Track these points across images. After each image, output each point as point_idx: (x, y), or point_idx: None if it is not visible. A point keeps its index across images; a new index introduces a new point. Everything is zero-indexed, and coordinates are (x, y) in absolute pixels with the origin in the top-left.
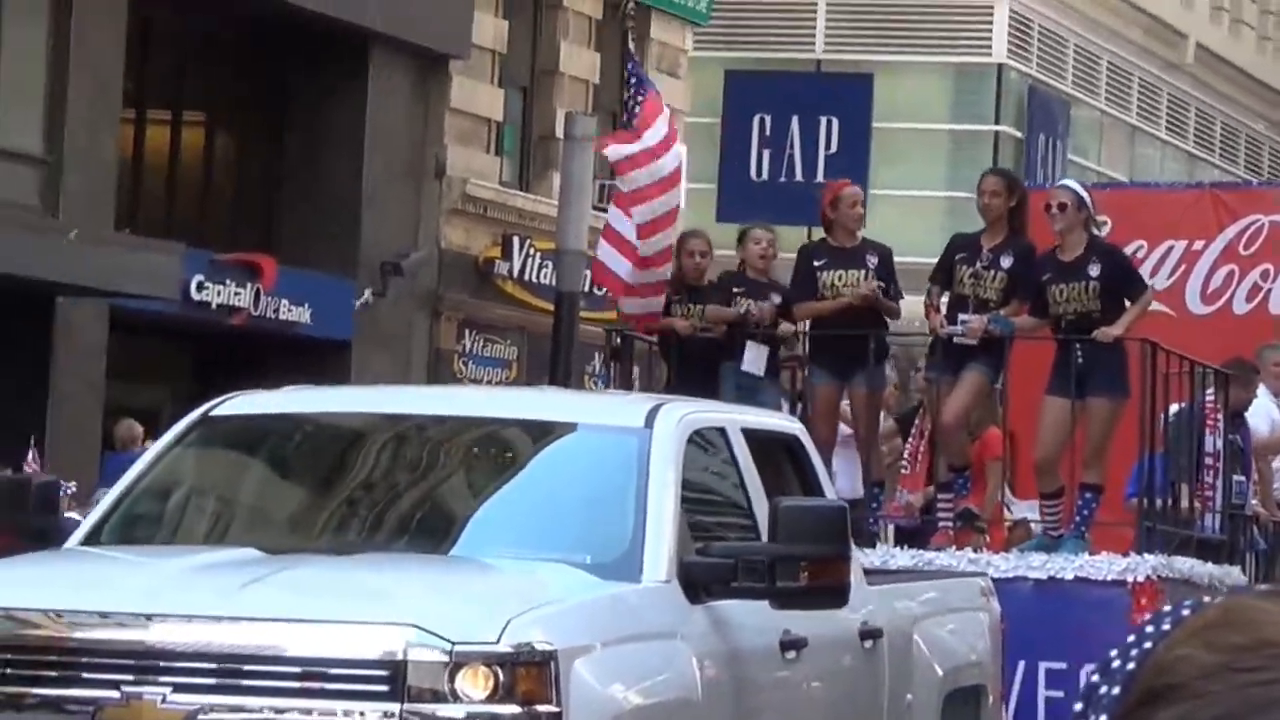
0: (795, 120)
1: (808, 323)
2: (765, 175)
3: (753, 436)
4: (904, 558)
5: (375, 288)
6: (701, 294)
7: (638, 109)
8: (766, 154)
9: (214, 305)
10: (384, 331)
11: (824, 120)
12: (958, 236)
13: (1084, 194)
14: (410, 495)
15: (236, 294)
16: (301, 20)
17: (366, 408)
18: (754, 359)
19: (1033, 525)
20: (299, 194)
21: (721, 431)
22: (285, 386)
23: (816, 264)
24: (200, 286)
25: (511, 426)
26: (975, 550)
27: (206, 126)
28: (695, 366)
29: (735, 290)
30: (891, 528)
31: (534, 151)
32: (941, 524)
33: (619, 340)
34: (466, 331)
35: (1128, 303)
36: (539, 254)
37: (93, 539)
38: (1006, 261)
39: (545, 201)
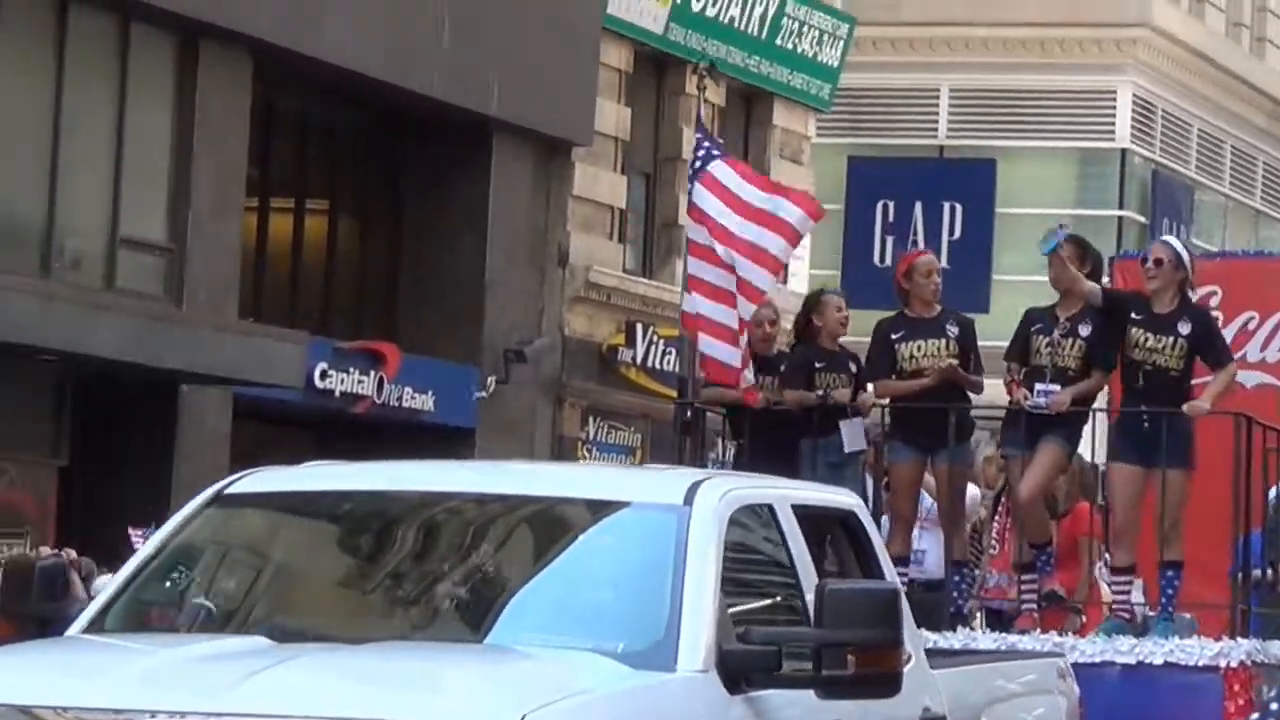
0: (919, 206)
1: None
2: (889, 261)
3: (805, 513)
4: (987, 641)
5: (498, 375)
6: (771, 364)
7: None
8: (890, 240)
9: (337, 393)
10: (507, 418)
11: (947, 206)
12: (1032, 310)
13: (1184, 253)
14: (432, 578)
15: (360, 382)
16: (425, 108)
17: (390, 485)
18: (853, 436)
19: (1135, 606)
20: (422, 281)
21: (769, 508)
22: (309, 462)
23: (894, 337)
24: (324, 374)
25: (542, 504)
26: (1064, 633)
27: (330, 214)
28: (769, 440)
29: (817, 365)
30: (983, 610)
31: (657, 238)
32: (1025, 606)
33: (689, 414)
34: (590, 418)
35: (1211, 370)
36: (662, 340)
37: (96, 625)
38: (1084, 330)
39: (668, 288)
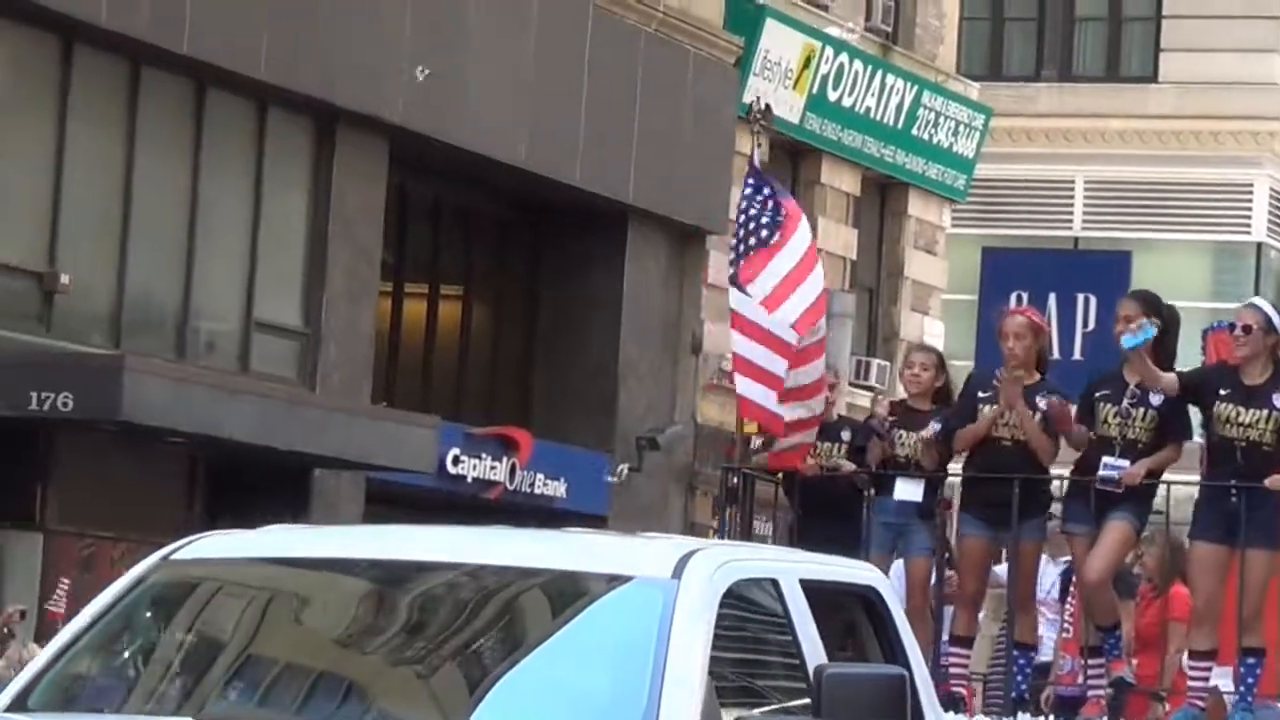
0: (1053, 297)
1: (961, 464)
2: None
3: (816, 589)
4: None
5: (631, 462)
6: (830, 430)
7: (774, 221)
8: None
9: (470, 479)
10: (639, 506)
11: (1081, 298)
12: (1095, 375)
13: (1275, 316)
14: (386, 658)
15: (492, 468)
16: (562, 195)
17: (350, 552)
18: (909, 491)
19: (1225, 695)
20: (555, 368)
21: (773, 584)
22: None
23: (981, 395)
24: (456, 460)
25: (517, 576)
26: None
27: (464, 299)
28: (824, 509)
29: (890, 421)
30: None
31: None
32: (1092, 693)
33: (735, 481)
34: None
35: None
36: None
37: (19, 703)
38: (1155, 398)
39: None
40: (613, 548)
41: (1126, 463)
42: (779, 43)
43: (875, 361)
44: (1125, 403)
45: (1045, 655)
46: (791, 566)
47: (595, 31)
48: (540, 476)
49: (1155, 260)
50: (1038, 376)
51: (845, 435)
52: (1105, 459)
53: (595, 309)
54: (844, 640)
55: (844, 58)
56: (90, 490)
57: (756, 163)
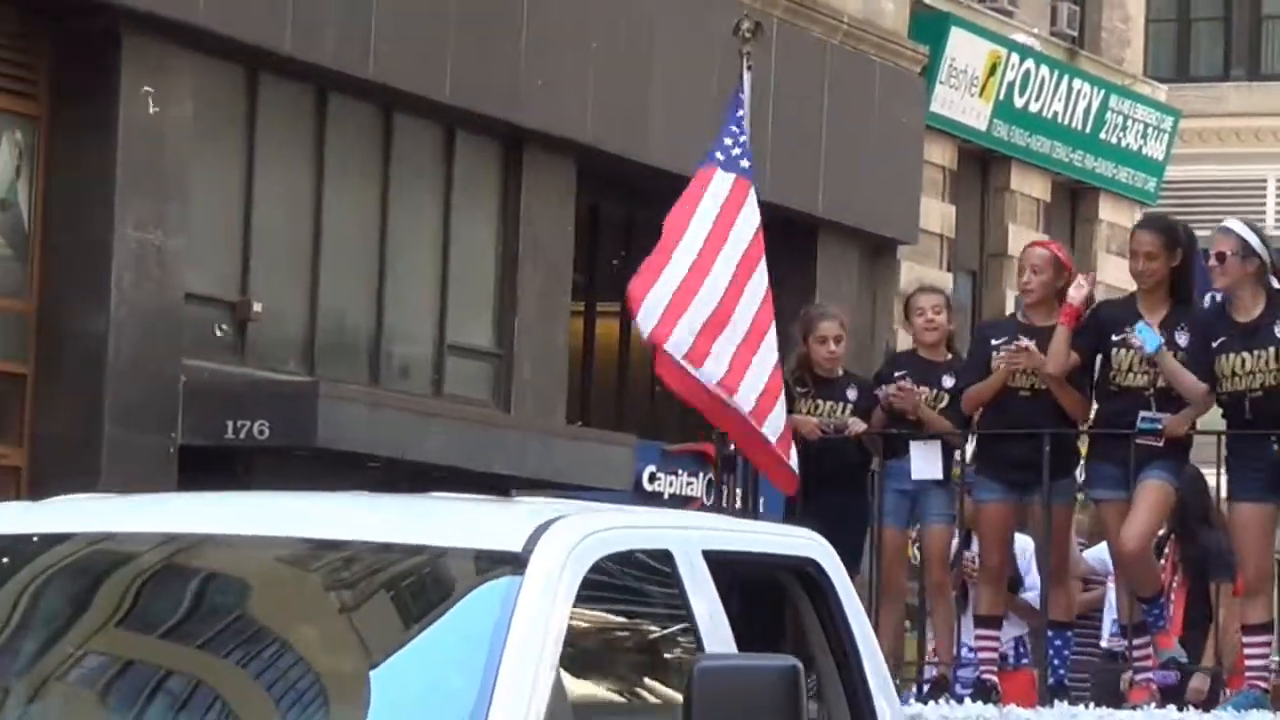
0: None
1: (976, 421)
2: None
3: (728, 563)
4: (1089, 718)
5: None
6: (833, 387)
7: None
8: None
9: (666, 495)
10: None
11: None
12: (1104, 306)
13: (1250, 237)
14: (166, 652)
15: (689, 483)
16: None
17: (133, 527)
18: (924, 463)
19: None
20: None
21: (664, 556)
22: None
23: (995, 343)
24: (652, 477)
25: (332, 552)
26: (1186, 707)
27: None
28: (830, 479)
29: (896, 376)
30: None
31: None
32: (1139, 677)
33: (732, 448)
34: None
35: None
36: None
37: None
38: (1181, 338)
39: None
40: (460, 517)
41: (1166, 415)
42: (964, 50)
43: None
44: (1117, 338)
45: (1108, 635)
46: (692, 535)
47: (780, 45)
48: (739, 491)
49: None
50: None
51: (851, 394)
52: (1142, 413)
53: (788, 321)
54: (775, 623)
55: (1030, 63)
56: None
57: (746, 91)
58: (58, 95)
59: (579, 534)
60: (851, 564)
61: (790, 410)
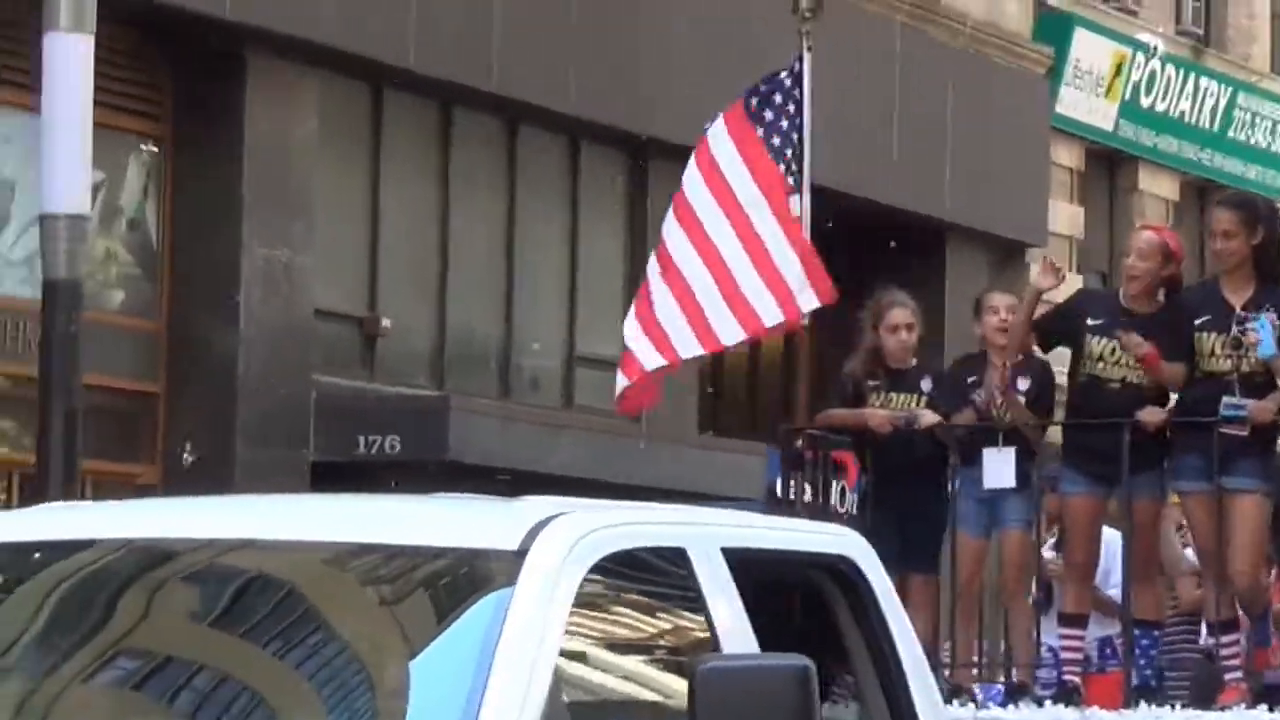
0: None
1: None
2: None
3: (753, 561)
4: (1175, 719)
5: None
6: (906, 379)
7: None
8: None
9: (799, 504)
10: None
11: None
12: (1188, 292)
13: (1258, 204)
14: (146, 665)
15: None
16: (877, 214)
17: (121, 532)
18: (998, 470)
19: None
20: None
21: (678, 554)
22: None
23: (1092, 323)
24: (785, 486)
25: (315, 554)
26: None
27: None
28: (902, 474)
29: (969, 380)
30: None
31: None
32: (1229, 676)
33: (801, 443)
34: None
35: None
36: None
37: None
38: (1273, 317)
39: None
40: (457, 515)
41: (1250, 401)
42: (1089, 51)
43: None
44: (1235, 328)
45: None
46: (711, 531)
47: (903, 49)
48: (808, 486)
49: None
50: (1160, 304)
51: (925, 385)
52: (1225, 399)
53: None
54: (806, 627)
55: (1155, 63)
56: None
57: (806, 74)
58: (183, 114)
59: (580, 530)
60: (927, 564)
61: (860, 403)
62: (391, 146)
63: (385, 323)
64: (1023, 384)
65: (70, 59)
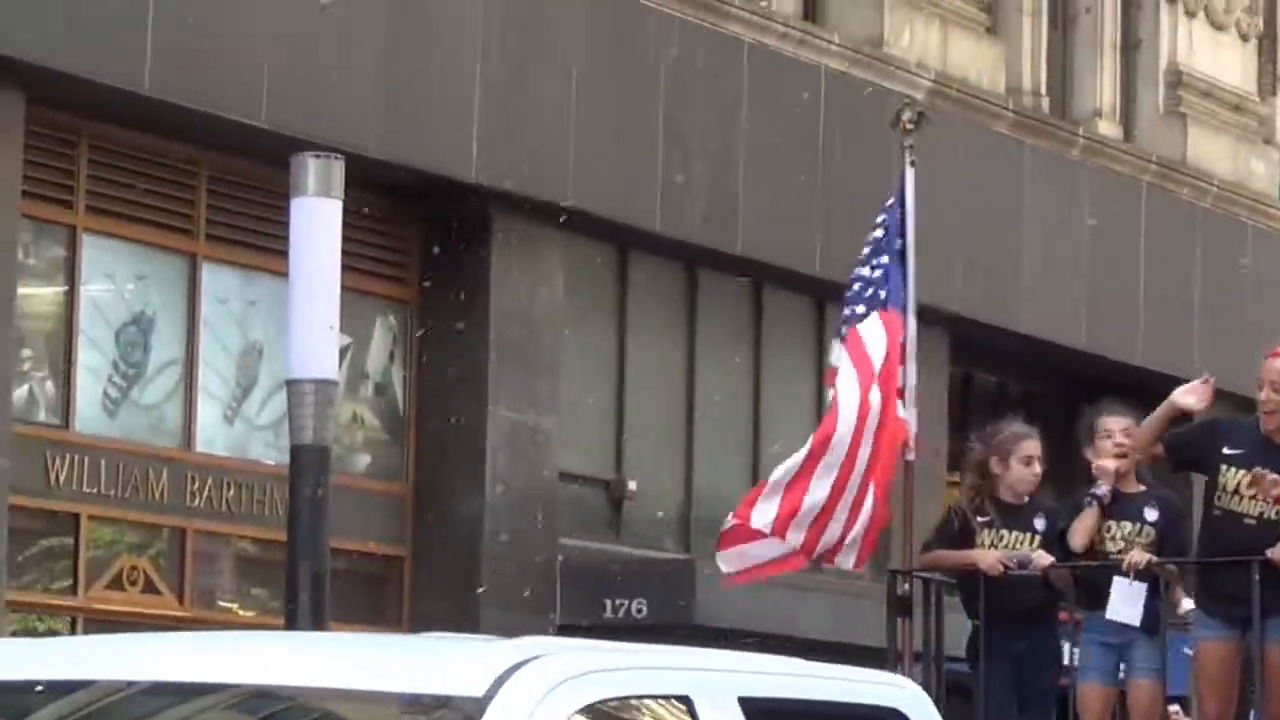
0: None
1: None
2: None
3: (782, 713)
4: None
5: None
6: (1020, 515)
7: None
8: None
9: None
10: None
11: None
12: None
13: None
14: None
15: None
16: (1122, 375)
17: (53, 673)
18: (1124, 604)
19: None
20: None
21: (683, 702)
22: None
23: (1228, 452)
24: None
25: (269, 700)
26: None
27: None
28: (1013, 620)
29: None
30: None
31: None
32: None
33: (907, 587)
34: None
35: None
36: None
37: None
38: None
39: None
40: (424, 659)
41: None
42: None
43: None
44: None
45: None
46: (723, 678)
47: (1149, 208)
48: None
49: None
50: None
51: (1039, 523)
52: None
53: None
54: None
55: None
56: None
57: (910, 189)
58: (429, 278)
59: (557, 676)
60: (1041, 715)
61: (966, 543)
62: (637, 308)
63: (631, 485)
64: (1150, 515)
65: (318, 223)
